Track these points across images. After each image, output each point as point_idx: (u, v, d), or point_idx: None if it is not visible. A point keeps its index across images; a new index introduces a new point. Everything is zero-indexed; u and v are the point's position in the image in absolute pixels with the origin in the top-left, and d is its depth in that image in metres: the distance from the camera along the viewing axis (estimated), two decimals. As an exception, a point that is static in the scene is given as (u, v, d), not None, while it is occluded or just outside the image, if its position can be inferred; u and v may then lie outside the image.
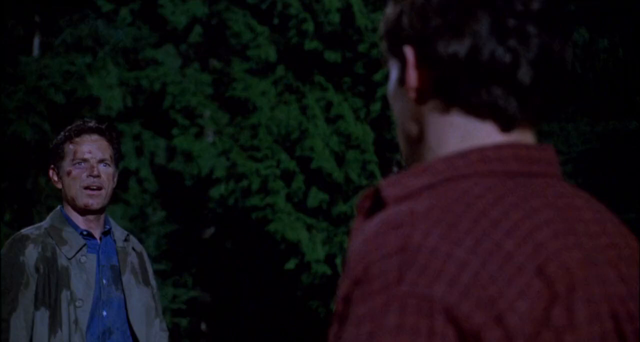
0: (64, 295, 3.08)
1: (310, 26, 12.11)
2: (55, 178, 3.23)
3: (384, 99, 12.09)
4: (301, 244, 11.72)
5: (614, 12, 8.64)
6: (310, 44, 12.16)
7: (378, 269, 0.95)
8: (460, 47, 1.03)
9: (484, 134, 1.06)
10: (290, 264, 11.83)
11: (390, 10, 1.11)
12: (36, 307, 3.07)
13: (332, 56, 12.17)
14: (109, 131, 3.25)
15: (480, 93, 1.04)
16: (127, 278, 3.21)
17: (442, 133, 1.07)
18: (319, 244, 11.80)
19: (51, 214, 3.24)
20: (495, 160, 1.04)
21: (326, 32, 12.18)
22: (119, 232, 3.28)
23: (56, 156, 3.21)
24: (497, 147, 1.04)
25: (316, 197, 12.03)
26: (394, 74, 1.11)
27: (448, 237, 0.96)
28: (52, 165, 3.24)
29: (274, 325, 12.45)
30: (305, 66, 12.44)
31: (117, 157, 3.25)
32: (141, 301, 3.22)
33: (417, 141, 1.09)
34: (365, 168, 12.04)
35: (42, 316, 3.06)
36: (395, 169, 12.76)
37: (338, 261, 11.81)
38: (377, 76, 12.06)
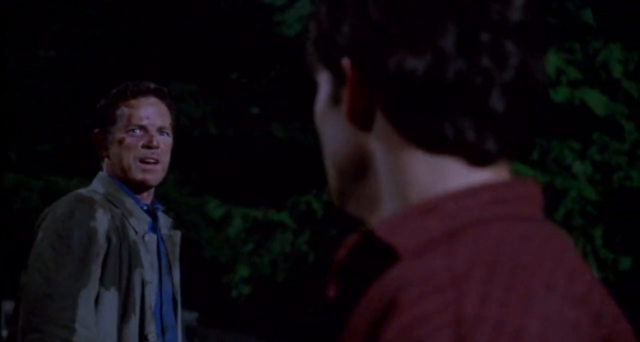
0: (137, 275, 2.53)
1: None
2: (101, 145, 2.67)
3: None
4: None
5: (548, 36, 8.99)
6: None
7: None
8: (418, 64, 0.82)
9: (454, 170, 0.84)
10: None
11: (324, 9, 0.88)
12: (105, 287, 2.49)
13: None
14: (169, 94, 2.73)
15: (442, 124, 0.82)
16: (176, 273, 2.71)
17: (400, 164, 0.85)
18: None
19: (98, 179, 2.64)
20: (512, 201, 0.83)
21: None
22: (163, 218, 2.73)
23: (104, 120, 2.65)
24: (507, 185, 0.84)
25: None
26: (324, 89, 0.89)
27: (510, 305, 0.74)
28: (96, 130, 2.67)
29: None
30: None
31: (175, 126, 2.73)
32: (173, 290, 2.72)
33: (359, 173, 0.87)
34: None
35: (112, 297, 2.50)
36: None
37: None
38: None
